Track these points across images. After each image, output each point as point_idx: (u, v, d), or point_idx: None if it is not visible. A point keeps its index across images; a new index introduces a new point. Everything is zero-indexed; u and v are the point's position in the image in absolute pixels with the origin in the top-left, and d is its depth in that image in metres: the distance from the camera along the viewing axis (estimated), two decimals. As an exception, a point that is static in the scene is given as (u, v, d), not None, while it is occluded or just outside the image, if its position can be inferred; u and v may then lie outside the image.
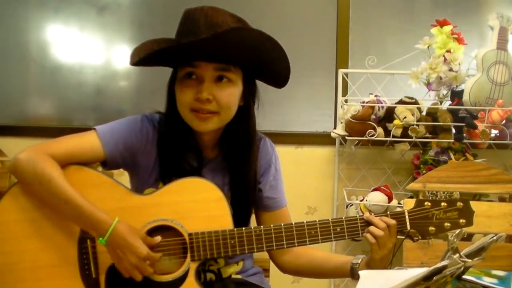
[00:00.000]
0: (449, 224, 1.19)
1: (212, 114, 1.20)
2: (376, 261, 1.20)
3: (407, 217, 1.21)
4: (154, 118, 1.29)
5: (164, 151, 1.26)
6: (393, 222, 1.19)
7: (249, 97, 1.28)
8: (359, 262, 1.25)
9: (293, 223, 1.21)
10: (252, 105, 1.29)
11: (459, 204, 1.20)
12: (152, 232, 1.19)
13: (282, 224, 1.21)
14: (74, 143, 1.24)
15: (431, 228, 1.20)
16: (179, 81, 1.21)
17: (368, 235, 1.19)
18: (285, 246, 1.21)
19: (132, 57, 1.18)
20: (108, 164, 1.26)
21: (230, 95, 1.21)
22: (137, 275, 1.14)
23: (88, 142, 1.23)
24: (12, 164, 1.19)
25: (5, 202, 1.20)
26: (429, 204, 1.20)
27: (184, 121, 1.23)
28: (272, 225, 1.21)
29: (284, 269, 1.39)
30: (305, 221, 1.21)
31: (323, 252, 1.37)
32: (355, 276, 1.24)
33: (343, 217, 1.22)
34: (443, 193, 1.24)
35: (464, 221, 1.20)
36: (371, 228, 1.19)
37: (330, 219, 1.21)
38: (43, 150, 1.19)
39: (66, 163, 1.20)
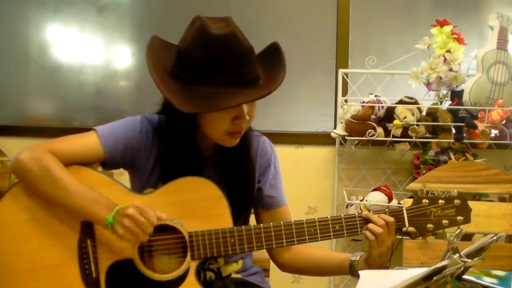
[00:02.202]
0: (447, 221, 1.20)
1: (243, 131, 1.22)
2: (375, 258, 1.20)
3: (405, 214, 1.21)
4: (154, 119, 1.29)
5: (165, 152, 1.26)
6: (391, 219, 1.20)
7: None
8: (357, 259, 1.25)
9: (293, 221, 1.21)
10: None
11: (457, 201, 1.21)
12: (151, 231, 1.19)
13: (282, 223, 1.21)
14: (74, 143, 1.24)
15: (429, 226, 1.20)
16: None
17: (367, 232, 1.19)
18: (284, 244, 1.21)
19: (190, 107, 1.13)
20: (108, 164, 1.26)
21: (256, 110, 1.22)
22: (143, 232, 1.11)
23: (88, 143, 1.24)
24: (13, 164, 1.19)
25: (5, 202, 1.20)
26: (427, 201, 1.21)
27: (184, 123, 1.22)
28: (271, 224, 1.21)
29: (283, 267, 1.39)
30: (304, 219, 1.21)
31: (322, 250, 1.37)
32: (354, 273, 1.25)
33: (342, 215, 1.22)
34: (442, 192, 1.24)
35: (461, 218, 1.20)
36: (370, 225, 1.19)
37: (329, 217, 1.21)
38: (44, 148, 1.20)
39: (66, 163, 1.20)
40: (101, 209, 1.14)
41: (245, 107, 1.16)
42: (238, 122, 1.17)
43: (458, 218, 1.20)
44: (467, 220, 1.20)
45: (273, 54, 1.23)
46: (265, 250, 1.33)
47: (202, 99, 1.13)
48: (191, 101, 1.13)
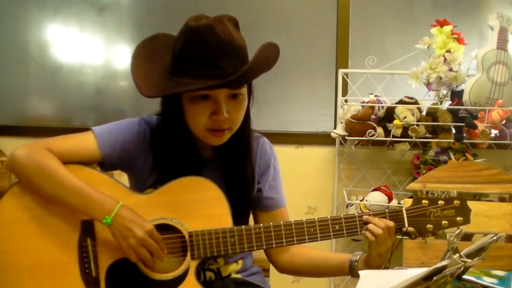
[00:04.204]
0: (446, 222, 1.20)
1: (227, 130, 1.20)
2: (374, 258, 1.21)
3: (405, 214, 1.21)
4: (151, 121, 1.29)
5: (162, 153, 1.26)
6: (392, 224, 1.20)
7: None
8: (357, 259, 1.25)
9: (292, 221, 1.21)
10: (249, 104, 1.28)
11: (456, 202, 1.21)
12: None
13: (282, 222, 1.21)
14: (71, 142, 1.24)
15: (429, 226, 1.20)
16: (190, 101, 1.17)
17: (367, 233, 1.19)
18: (284, 244, 1.21)
19: (151, 91, 1.14)
20: (105, 165, 1.26)
21: (242, 109, 1.21)
22: (144, 252, 1.13)
23: (85, 142, 1.23)
24: (10, 160, 1.19)
25: (5, 201, 1.20)
26: (427, 202, 1.21)
27: (181, 123, 1.22)
28: (271, 223, 1.21)
29: (281, 268, 1.39)
30: (304, 219, 1.21)
31: (320, 251, 1.37)
32: (354, 274, 1.24)
33: (342, 215, 1.22)
34: (441, 193, 1.25)
35: (461, 219, 1.20)
36: (370, 226, 1.19)
37: (329, 217, 1.21)
38: (39, 145, 1.20)
39: (62, 161, 1.20)
40: (98, 207, 1.14)
41: (223, 104, 1.15)
42: (215, 118, 1.16)
43: (458, 219, 1.20)
44: (466, 221, 1.21)
45: None
46: (263, 251, 1.33)
47: (168, 87, 1.14)
48: (158, 88, 1.15)
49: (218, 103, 1.15)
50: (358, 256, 1.26)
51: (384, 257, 1.21)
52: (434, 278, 0.85)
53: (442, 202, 1.21)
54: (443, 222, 1.20)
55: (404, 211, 1.22)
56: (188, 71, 1.13)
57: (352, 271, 1.25)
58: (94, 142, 1.23)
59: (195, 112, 1.17)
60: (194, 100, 1.16)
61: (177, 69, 1.15)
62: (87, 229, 1.18)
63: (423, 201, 1.21)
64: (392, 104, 2.29)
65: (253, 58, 1.15)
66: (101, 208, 1.14)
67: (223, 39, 1.11)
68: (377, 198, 2.28)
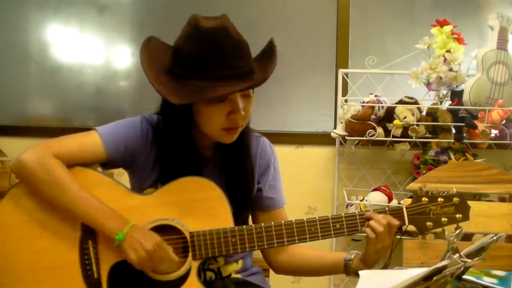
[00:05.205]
0: (446, 219, 1.21)
1: (240, 127, 1.22)
2: (371, 254, 1.21)
3: (405, 212, 1.22)
4: (153, 119, 1.29)
5: (163, 152, 1.26)
6: (396, 223, 1.20)
7: None
8: (352, 258, 1.26)
9: (293, 220, 1.22)
10: None
11: (456, 199, 1.22)
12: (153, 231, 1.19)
13: (283, 222, 1.21)
14: (76, 143, 1.24)
15: (429, 223, 1.21)
16: (206, 103, 1.17)
17: (368, 230, 1.20)
18: (285, 243, 1.21)
19: (179, 98, 1.14)
20: (108, 164, 1.27)
21: (253, 107, 1.23)
22: (152, 265, 1.15)
23: (90, 143, 1.23)
24: (17, 166, 1.18)
25: (5, 203, 1.20)
26: (426, 199, 1.22)
27: (181, 121, 1.23)
28: (272, 223, 1.21)
29: (278, 269, 1.39)
30: (305, 218, 1.21)
31: (317, 251, 1.37)
32: (349, 272, 1.26)
33: (343, 214, 1.23)
34: (441, 191, 1.25)
35: (460, 216, 1.21)
36: (372, 222, 1.19)
37: (329, 215, 1.21)
38: (47, 150, 1.19)
39: (68, 163, 1.20)
40: (110, 224, 1.15)
41: (240, 102, 1.16)
42: (233, 117, 1.17)
43: (457, 215, 1.21)
44: (465, 218, 1.21)
45: (267, 49, 1.24)
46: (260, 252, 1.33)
47: (192, 92, 1.14)
48: (181, 94, 1.14)
49: (235, 103, 1.16)
50: (353, 255, 1.27)
51: (380, 254, 1.21)
52: (434, 278, 0.85)
53: (442, 199, 1.22)
54: (443, 219, 1.21)
55: (404, 209, 1.22)
56: (207, 73, 1.13)
57: (347, 270, 1.26)
58: (100, 143, 1.23)
59: (212, 113, 1.18)
60: (211, 102, 1.16)
61: (193, 73, 1.14)
62: (88, 231, 1.18)
63: (423, 199, 1.22)
64: (392, 104, 2.29)
65: (274, 56, 1.19)
66: (113, 226, 1.15)
67: (237, 39, 1.14)
68: (377, 198, 2.28)
